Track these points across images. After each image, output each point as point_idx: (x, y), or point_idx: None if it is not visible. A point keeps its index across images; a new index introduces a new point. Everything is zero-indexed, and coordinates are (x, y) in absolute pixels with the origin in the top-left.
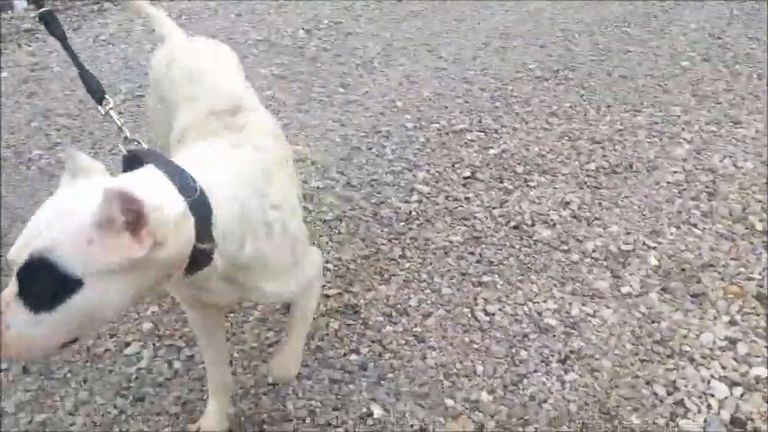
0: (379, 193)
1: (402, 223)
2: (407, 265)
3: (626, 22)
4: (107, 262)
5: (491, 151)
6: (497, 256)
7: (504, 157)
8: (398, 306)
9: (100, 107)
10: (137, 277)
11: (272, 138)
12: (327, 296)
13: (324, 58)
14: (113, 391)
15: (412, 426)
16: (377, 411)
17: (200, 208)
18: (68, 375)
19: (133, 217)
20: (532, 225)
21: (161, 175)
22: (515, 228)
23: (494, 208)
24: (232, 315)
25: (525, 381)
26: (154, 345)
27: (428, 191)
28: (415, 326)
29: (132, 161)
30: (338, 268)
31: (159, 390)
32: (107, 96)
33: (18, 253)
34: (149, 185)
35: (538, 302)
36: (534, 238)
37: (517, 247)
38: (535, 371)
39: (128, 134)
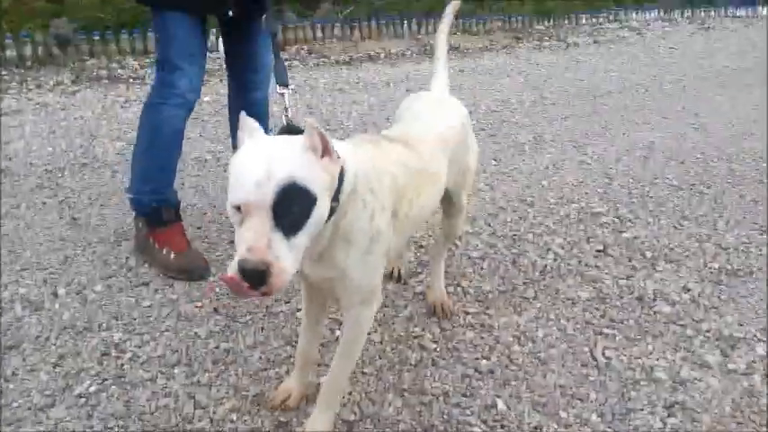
0: (519, 246)
1: (537, 273)
2: (539, 305)
3: (762, 157)
4: (324, 179)
5: (624, 234)
6: (619, 315)
7: (635, 242)
8: (527, 333)
9: (279, 88)
10: (326, 200)
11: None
12: (467, 312)
13: (480, 135)
14: (284, 341)
15: (529, 423)
16: (500, 405)
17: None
18: (249, 322)
19: (322, 147)
20: (654, 300)
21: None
22: (638, 299)
23: (621, 278)
24: (386, 308)
25: (632, 414)
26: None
27: (563, 253)
28: (540, 351)
29: (290, 131)
30: (478, 294)
31: (322, 349)
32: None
33: (260, 193)
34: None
35: (651, 359)
36: (654, 310)
37: (638, 313)
38: (641, 409)
39: (290, 113)
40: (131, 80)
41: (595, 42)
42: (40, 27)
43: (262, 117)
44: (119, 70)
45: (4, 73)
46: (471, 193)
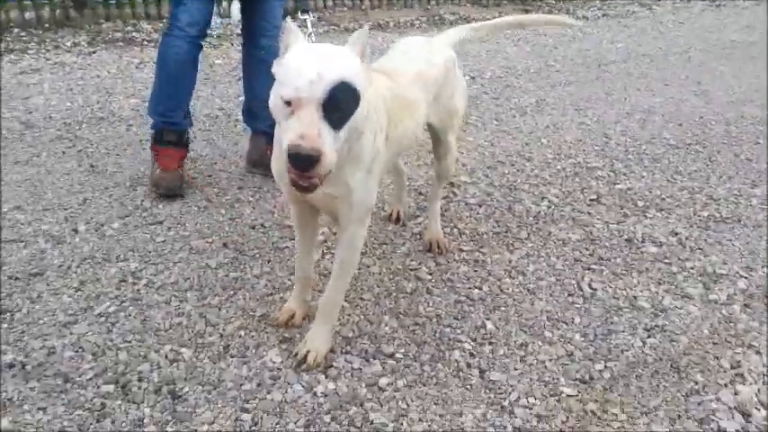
0: (515, 195)
1: (531, 218)
2: (530, 244)
3: (762, 124)
4: (367, 84)
5: (617, 186)
6: (607, 254)
7: (629, 193)
8: (518, 268)
9: (301, 14)
10: (365, 105)
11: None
12: (461, 250)
13: (483, 99)
14: (289, 271)
15: (515, 341)
16: (489, 326)
17: None
18: (257, 255)
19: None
20: (642, 242)
21: None
22: (627, 240)
23: (611, 223)
24: (385, 245)
25: (613, 335)
26: (323, 251)
27: (557, 202)
28: (529, 283)
29: None
30: (473, 235)
31: (322, 278)
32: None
33: (311, 91)
34: None
35: (635, 290)
36: (642, 250)
37: (625, 252)
38: (623, 331)
39: (312, 38)
40: (145, 43)
41: (604, 16)
42: None
43: (267, 62)
44: (133, 33)
45: (23, 34)
46: (462, 139)
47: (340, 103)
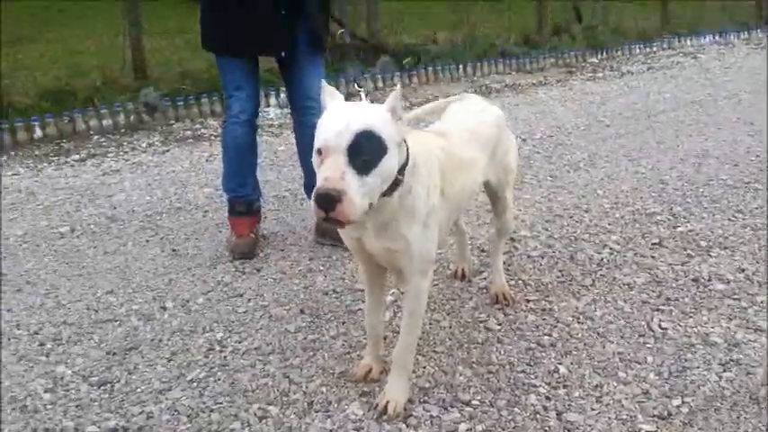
0: (576, 245)
1: (594, 265)
2: (596, 291)
3: None
4: (396, 136)
5: (678, 229)
6: (674, 295)
7: (690, 234)
8: (585, 314)
9: (356, 86)
10: (396, 157)
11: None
12: (528, 300)
13: (536, 158)
14: (363, 331)
15: (590, 383)
16: (562, 369)
17: (406, 147)
18: (332, 317)
19: (400, 116)
20: (709, 280)
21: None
22: (694, 280)
23: (676, 265)
24: (453, 301)
25: (688, 372)
26: (394, 310)
27: (618, 248)
28: (598, 327)
29: None
30: (538, 286)
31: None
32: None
33: (337, 140)
34: None
35: (706, 327)
36: (709, 288)
37: (693, 291)
38: (697, 367)
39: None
40: (213, 137)
41: (649, 69)
42: (130, 99)
43: (301, 138)
44: (201, 130)
45: (102, 139)
46: (518, 197)
47: (364, 149)
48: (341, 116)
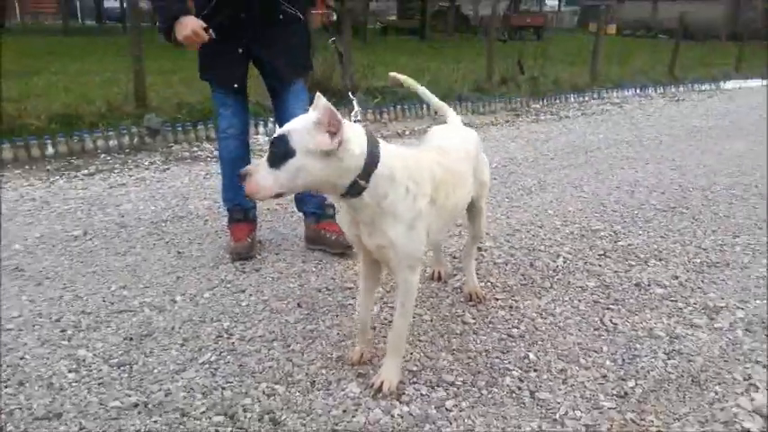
0: (534, 254)
1: (551, 271)
2: (554, 292)
3: (732, 189)
4: (308, 145)
5: (619, 243)
6: (621, 296)
7: (630, 248)
8: (547, 311)
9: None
10: (321, 166)
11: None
12: (497, 299)
13: (493, 183)
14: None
15: (555, 367)
16: (531, 356)
17: (372, 159)
18: (326, 311)
19: (335, 129)
20: (649, 285)
21: (363, 132)
22: (636, 285)
23: (620, 272)
24: (432, 299)
25: (638, 359)
26: (380, 306)
27: (570, 258)
28: (559, 322)
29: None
30: (505, 287)
31: (383, 327)
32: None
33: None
34: (352, 127)
35: (650, 323)
36: (650, 292)
37: (636, 294)
38: (646, 356)
39: (359, 116)
40: (209, 158)
41: (583, 114)
42: (133, 123)
43: None
44: (198, 152)
45: (108, 157)
46: (489, 214)
47: (275, 147)
48: (290, 121)
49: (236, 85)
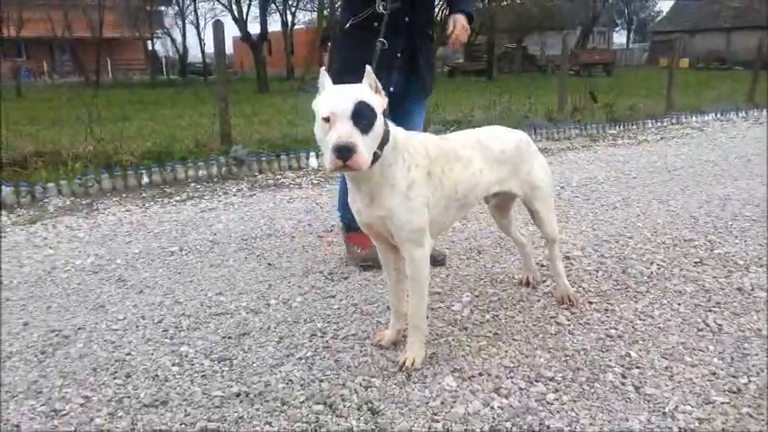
0: (625, 262)
1: (645, 278)
2: (651, 296)
3: None
4: (378, 104)
5: (716, 251)
6: (723, 300)
7: (727, 256)
8: (645, 313)
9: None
10: (381, 124)
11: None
12: (590, 302)
13: (576, 201)
14: (445, 322)
15: (660, 365)
16: (633, 354)
17: (386, 133)
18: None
19: (377, 90)
20: (752, 290)
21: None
22: (738, 289)
23: (720, 278)
24: (522, 303)
25: (749, 358)
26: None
27: (665, 265)
28: (659, 324)
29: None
30: (598, 291)
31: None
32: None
33: (344, 107)
34: None
35: (758, 324)
36: (754, 296)
37: (740, 298)
38: (756, 354)
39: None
40: (291, 185)
41: (662, 139)
42: (221, 155)
43: None
44: (282, 180)
45: (198, 186)
46: (566, 227)
47: (363, 115)
48: (340, 92)
49: (391, 89)
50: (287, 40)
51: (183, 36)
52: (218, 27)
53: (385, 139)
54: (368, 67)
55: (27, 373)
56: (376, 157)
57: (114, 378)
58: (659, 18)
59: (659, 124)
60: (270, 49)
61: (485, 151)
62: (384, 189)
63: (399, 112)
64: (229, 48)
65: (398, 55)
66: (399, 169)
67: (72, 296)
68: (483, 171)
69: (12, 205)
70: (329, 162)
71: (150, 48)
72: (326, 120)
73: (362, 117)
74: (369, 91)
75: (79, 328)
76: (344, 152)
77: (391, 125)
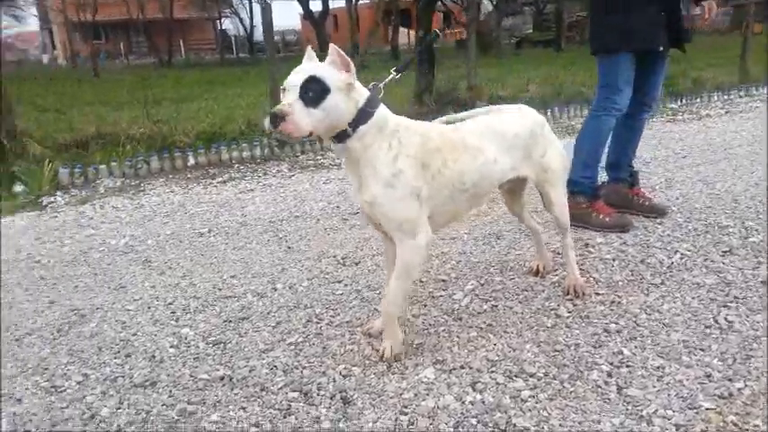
0: (647, 251)
1: (665, 268)
2: (665, 288)
3: None
4: (338, 80)
5: (750, 239)
6: (743, 294)
7: (762, 244)
8: (653, 307)
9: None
10: (343, 104)
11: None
12: (598, 293)
13: None
14: (443, 311)
15: (652, 364)
16: (626, 352)
17: (362, 115)
18: (415, 301)
19: (346, 67)
20: None
21: (366, 91)
22: (763, 282)
23: (746, 270)
24: (526, 292)
25: (753, 360)
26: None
27: (689, 254)
28: (665, 318)
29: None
30: (609, 283)
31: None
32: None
33: (295, 80)
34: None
35: None
36: None
37: (762, 292)
38: (761, 356)
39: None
40: (330, 166)
41: (727, 113)
42: (265, 136)
43: (636, 131)
44: (322, 160)
45: (241, 167)
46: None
47: (310, 88)
48: (300, 68)
49: (661, 48)
50: (351, 16)
51: (251, 15)
52: (267, 10)
53: (360, 119)
54: (331, 45)
55: (40, 350)
56: (345, 134)
57: (115, 357)
58: None
59: (726, 97)
60: (337, 25)
61: (498, 138)
62: (367, 171)
63: (644, 73)
64: (297, 25)
65: (662, 14)
66: (383, 154)
67: (99, 276)
68: (497, 160)
69: (67, 186)
70: (266, 126)
71: (219, 27)
72: (283, 90)
73: (309, 90)
74: (328, 68)
75: (97, 308)
76: (273, 118)
77: (385, 110)
